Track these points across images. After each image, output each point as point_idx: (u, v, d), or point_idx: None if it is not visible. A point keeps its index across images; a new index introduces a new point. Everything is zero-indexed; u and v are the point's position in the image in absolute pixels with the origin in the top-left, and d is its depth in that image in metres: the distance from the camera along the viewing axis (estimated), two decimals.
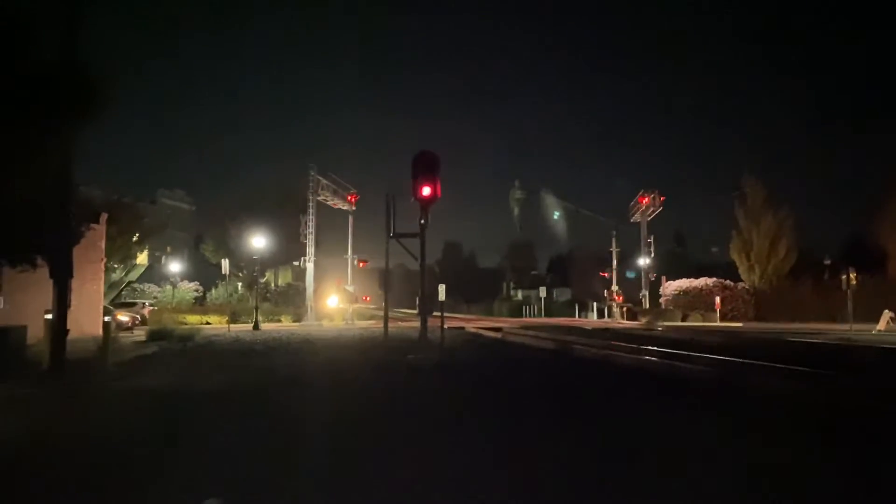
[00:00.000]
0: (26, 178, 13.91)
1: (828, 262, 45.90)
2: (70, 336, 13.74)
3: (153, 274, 54.64)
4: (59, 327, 13.62)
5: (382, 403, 9.93)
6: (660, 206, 48.41)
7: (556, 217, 53.55)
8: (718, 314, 43.75)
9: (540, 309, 62.15)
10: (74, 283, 14.60)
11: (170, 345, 20.87)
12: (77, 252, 15.28)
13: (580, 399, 10.11)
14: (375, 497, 4.92)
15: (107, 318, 16.17)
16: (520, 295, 78.91)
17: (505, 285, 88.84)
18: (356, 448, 6.58)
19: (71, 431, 7.88)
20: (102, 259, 30.37)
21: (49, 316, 13.84)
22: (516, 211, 55.51)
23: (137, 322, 34.23)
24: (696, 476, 5.34)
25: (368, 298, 55.65)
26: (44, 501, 4.99)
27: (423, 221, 17.38)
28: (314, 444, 6.83)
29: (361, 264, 45.31)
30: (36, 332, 14.95)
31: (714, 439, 6.77)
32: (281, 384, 12.08)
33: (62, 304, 13.91)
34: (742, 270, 49.07)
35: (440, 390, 11.53)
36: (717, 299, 44.58)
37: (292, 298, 47.86)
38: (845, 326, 31.46)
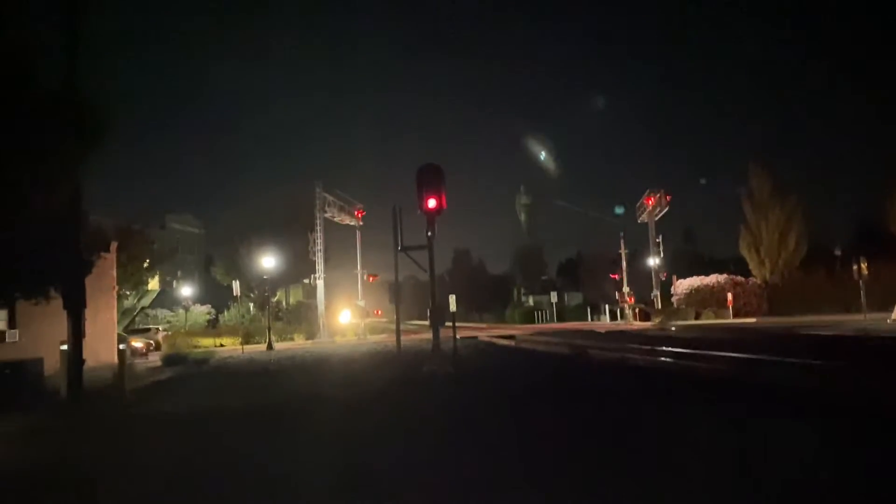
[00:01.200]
0: (35, 210, 14.06)
1: (838, 252, 45.55)
2: (86, 365, 13.84)
3: (165, 299, 54.91)
4: (74, 357, 13.71)
5: (402, 418, 9.93)
6: (666, 206, 48.23)
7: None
8: (731, 310, 43.53)
9: (552, 314, 61.97)
10: (88, 313, 14.74)
11: (185, 369, 20.97)
12: (89, 281, 15.41)
13: (601, 408, 10.07)
14: None
15: (122, 346, 16.29)
16: (531, 301, 78.68)
17: (515, 291, 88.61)
18: (386, 462, 6.59)
19: (90, 460, 7.93)
20: (114, 287, 30.55)
21: (65, 347, 13.95)
22: (523, 216, 55.59)
23: (152, 348, 34.41)
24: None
25: (380, 312, 55.68)
26: None
27: (430, 233, 17.44)
28: (340, 461, 6.82)
29: (371, 278, 45.39)
30: (52, 363, 15.08)
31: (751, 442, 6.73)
32: (301, 403, 12.11)
33: (77, 334, 14.01)
34: (752, 265, 48.77)
35: (456, 401, 11.54)
36: (729, 295, 44.35)
37: (304, 316, 47.96)
38: (860, 317, 31.27)
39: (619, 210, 56.43)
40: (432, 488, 5.52)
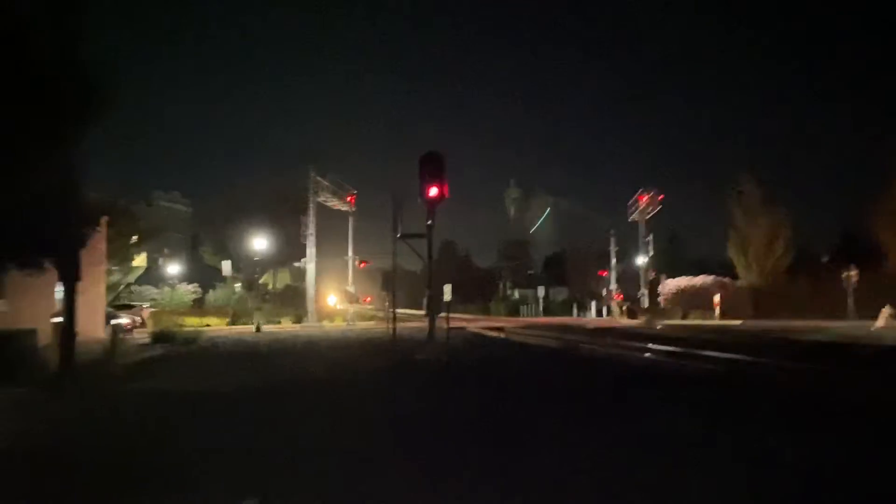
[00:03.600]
0: (33, 182, 13.87)
1: (825, 259, 46.02)
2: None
3: (151, 276, 54.44)
4: (68, 330, 13.59)
5: (399, 404, 9.93)
6: (658, 205, 48.50)
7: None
8: (718, 312, 43.83)
9: (537, 308, 62.18)
10: (78, 287, 14.57)
11: (174, 347, 20.81)
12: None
13: (595, 396, 10.13)
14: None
15: (114, 322, 16.16)
16: (516, 294, 78.93)
17: (501, 285, 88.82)
18: (384, 447, 6.58)
19: (88, 433, 7.87)
20: (103, 262, 30.29)
21: (56, 319, 13.83)
22: (512, 210, 55.64)
23: (137, 324, 34.13)
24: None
25: (369, 299, 55.54)
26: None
27: (430, 222, 17.43)
28: (335, 444, 6.80)
29: (362, 265, 45.28)
30: (42, 336, 14.92)
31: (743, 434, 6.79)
32: (296, 386, 12.06)
33: (71, 307, 13.89)
34: (740, 268, 49.17)
35: (454, 388, 11.57)
36: (717, 297, 44.65)
37: (291, 300, 47.78)
38: (844, 323, 31.60)
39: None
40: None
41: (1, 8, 13.44)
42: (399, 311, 28.54)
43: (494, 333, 28.47)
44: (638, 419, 8.09)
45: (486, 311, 71.85)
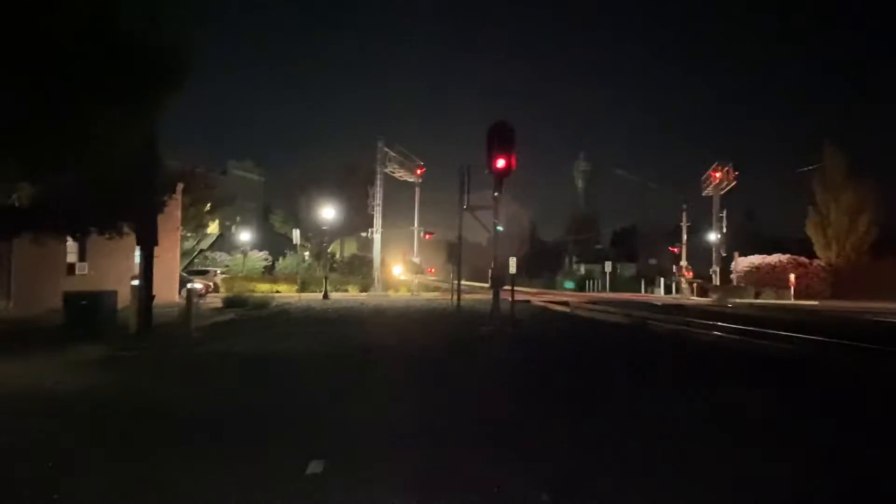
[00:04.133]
0: (115, 150, 14.34)
1: None
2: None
3: (223, 243, 56.04)
4: (146, 293, 14.11)
5: (466, 375, 9.94)
6: (733, 181, 46.77)
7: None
8: (793, 292, 42.31)
9: (604, 284, 61.26)
10: (155, 252, 15.08)
11: (246, 311, 21.39)
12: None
13: (669, 375, 9.90)
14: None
15: (190, 286, 16.68)
16: (582, 269, 77.88)
17: (567, 259, 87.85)
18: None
19: (164, 389, 8.16)
20: (178, 228, 31.32)
21: (135, 282, 14.35)
22: (580, 184, 54.72)
23: (210, 289, 35.23)
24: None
25: (433, 270, 55.80)
26: (144, 450, 5.15)
27: (496, 193, 17.27)
28: (406, 415, 6.84)
29: (427, 236, 45.47)
30: (122, 298, 15.54)
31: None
32: (368, 353, 12.22)
33: (149, 270, 14.40)
34: (818, 247, 47.24)
35: (519, 361, 11.52)
36: (792, 276, 43.08)
37: (358, 269, 48.41)
38: None
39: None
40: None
41: None
42: (464, 283, 28.61)
43: (559, 308, 28.20)
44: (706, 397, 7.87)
45: (551, 286, 71.30)
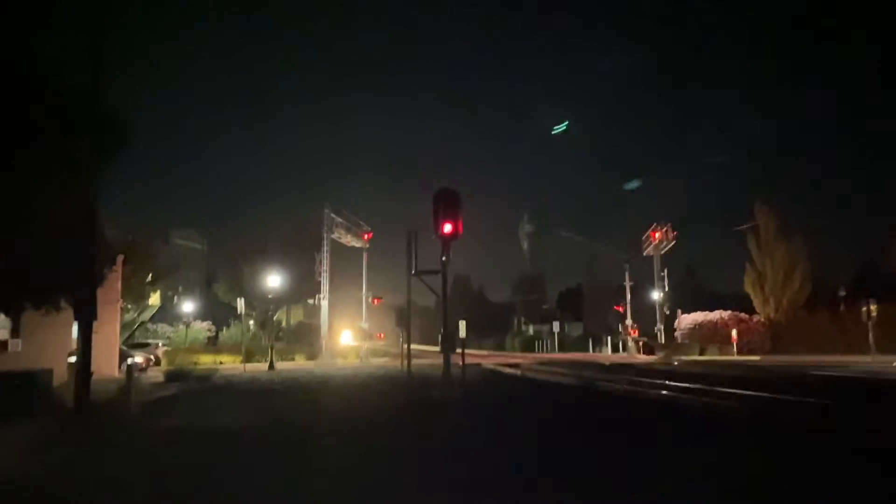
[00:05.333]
0: (51, 221, 13.99)
1: (843, 293, 45.30)
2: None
3: (165, 314, 54.69)
4: (84, 369, 13.56)
5: (419, 439, 9.77)
6: (672, 240, 48.25)
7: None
8: (735, 347, 43.27)
9: (552, 344, 61.63)
10: (94, 326, 14.59)
11: (188, 385, 20.74)
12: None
13: (615, 436, 9.92)
14: None
15: (130, 361, 16.16)
16: (531, 330, 78.33)
17: (516, 320, 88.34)
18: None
19: (106, 471, 7.78)
20: (119, 300, 30.42)
21: (73, 359, 13.83)
22: (525, 245, 55.53)
23: (152, 363, 34.14)
24: None
25: (382, 335, 55.38)
26: None
27: (444, 258, 17.37)
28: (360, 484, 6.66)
29: (376, 301, 45.25)
30: (58, 375, 14.93)
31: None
32: (314, 425, 11.91)
33: (87, 345, 13.87)
34: (757, 303, 48.55)
35: (473, 426, 11.40)
36: (734, 332, 44.12)
37: (305, 336, 47.71)
38: (867, 358, 31.03)
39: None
40: None
41: (25, 42, 13.70)
42: (413, 347, 28.38)
43: (510, 370, 28.20)
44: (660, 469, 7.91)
45: (500, 347, 71.36)
